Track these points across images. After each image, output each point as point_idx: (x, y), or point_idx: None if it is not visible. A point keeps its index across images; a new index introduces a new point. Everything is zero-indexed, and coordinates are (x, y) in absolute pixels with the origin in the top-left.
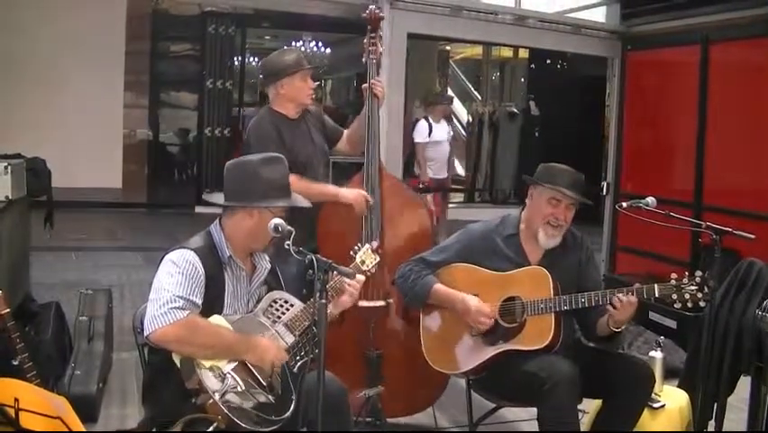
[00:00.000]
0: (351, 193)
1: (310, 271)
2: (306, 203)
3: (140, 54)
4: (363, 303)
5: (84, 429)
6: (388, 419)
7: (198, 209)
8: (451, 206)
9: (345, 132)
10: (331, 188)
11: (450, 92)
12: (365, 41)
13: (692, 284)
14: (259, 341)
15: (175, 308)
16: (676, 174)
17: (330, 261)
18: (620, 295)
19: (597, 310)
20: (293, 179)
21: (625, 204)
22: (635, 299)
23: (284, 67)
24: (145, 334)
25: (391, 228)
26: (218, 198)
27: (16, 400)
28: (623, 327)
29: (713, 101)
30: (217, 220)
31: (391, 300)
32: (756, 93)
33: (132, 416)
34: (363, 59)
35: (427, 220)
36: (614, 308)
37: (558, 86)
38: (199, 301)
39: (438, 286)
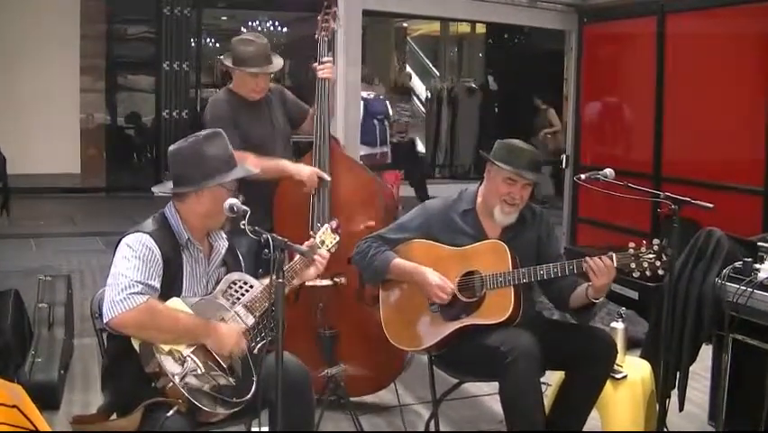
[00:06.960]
0: (305, 170)
1: (266, 251)
2: (254, 170)
3: (95, 37)
4: (309, 283)
5: (42, 417)
6: (353, 399)
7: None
8: None
9: (311, 110)
10: (285, 164)
11: (408, 69)
12: (319, 17)
13: (650, 253)
14: (219, 327)
15: (134, 293)
16: (635, 146)
17: (286, 239)
18: (594, 260)
19: (567, 282)
20: (246, 155)
21: (583, 176)
22: (612, 264)
23: (240, 60)
24: (104, 320)
25: (343, 207)
26: (163, 186)
27: None
28: (601, 298)
29: (670, 72)
30: (171, 203)
31: (341, 280)
32: (712, 63)
33: (94, 402)
34: (316, 36)
35: (380, 198)
36: (586, 277)
37: (516, 60)
38: (157, 285)
39: (397, 260)
